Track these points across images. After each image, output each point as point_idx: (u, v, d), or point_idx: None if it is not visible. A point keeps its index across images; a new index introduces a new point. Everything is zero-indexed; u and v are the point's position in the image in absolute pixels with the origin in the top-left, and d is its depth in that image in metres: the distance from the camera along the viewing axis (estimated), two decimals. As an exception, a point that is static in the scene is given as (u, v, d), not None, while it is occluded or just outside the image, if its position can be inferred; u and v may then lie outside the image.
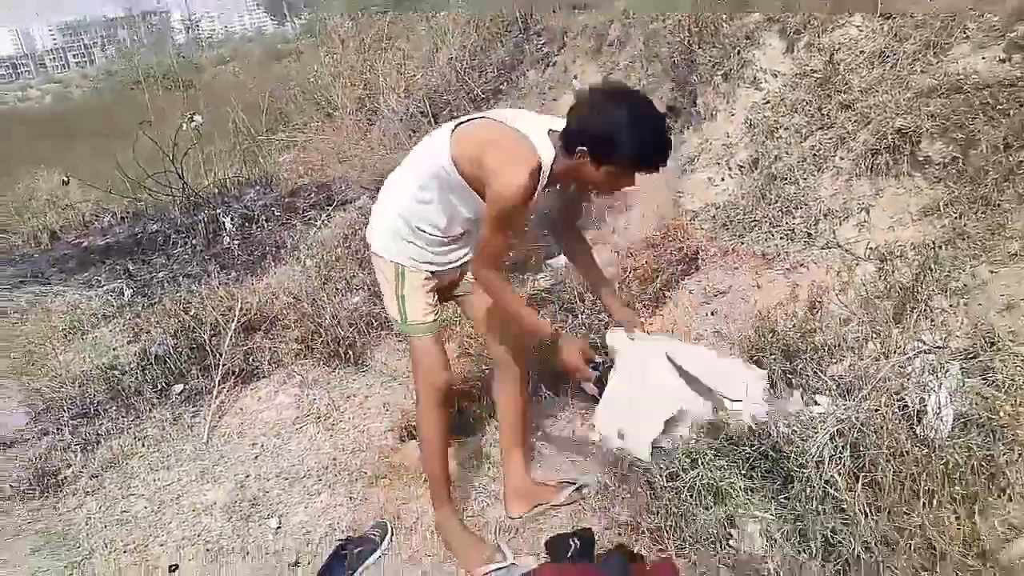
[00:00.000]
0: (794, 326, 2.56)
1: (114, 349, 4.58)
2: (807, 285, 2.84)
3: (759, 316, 2.81)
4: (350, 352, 3.78)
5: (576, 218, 2.58)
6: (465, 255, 2.41)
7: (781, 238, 3.23)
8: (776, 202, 3.36)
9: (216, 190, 7.61)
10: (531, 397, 2.87)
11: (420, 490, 2.74)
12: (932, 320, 2.35)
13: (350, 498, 2.82)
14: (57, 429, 3.73)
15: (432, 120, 7.57)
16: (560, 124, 2.10)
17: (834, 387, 2.22)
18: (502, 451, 2.68)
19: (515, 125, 2.12)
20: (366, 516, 2.71)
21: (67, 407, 3.91)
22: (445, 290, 2.51)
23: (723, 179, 3.90)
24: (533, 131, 2.10)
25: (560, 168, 2.09)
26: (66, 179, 6.82)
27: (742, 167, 3.79)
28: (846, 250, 2.94)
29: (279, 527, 2.74)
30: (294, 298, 4.20)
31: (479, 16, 9.49)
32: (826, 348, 2.44)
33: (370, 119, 8.46)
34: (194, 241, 6.41)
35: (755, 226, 3.38)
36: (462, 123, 2.25)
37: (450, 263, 2.41)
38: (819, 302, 2.66)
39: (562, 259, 4.39)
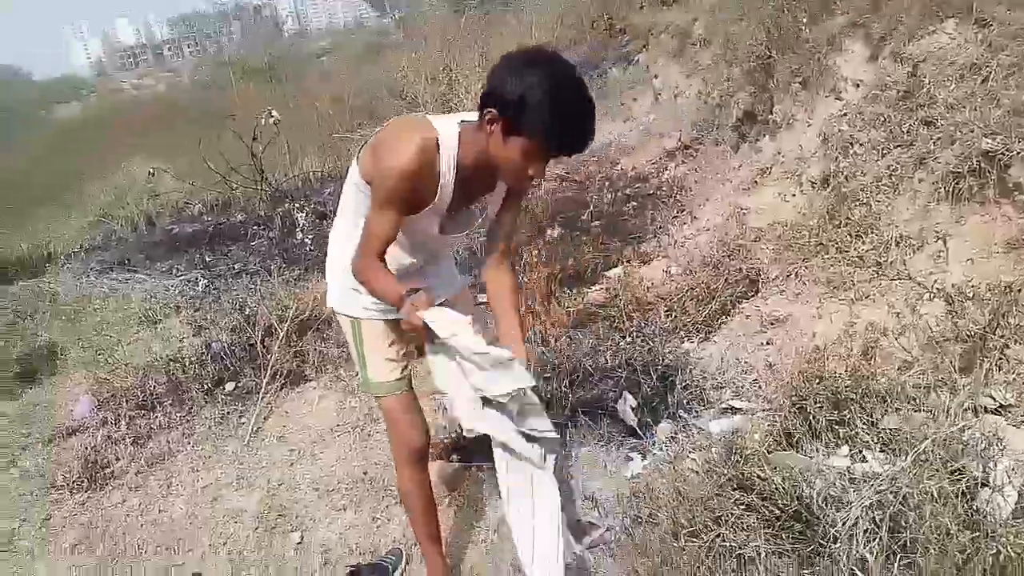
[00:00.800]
0: (847, 369, 2.33)
1: (180, 340, 4.69)
2: (868, 321, 2.60)
3: (815, 352, 2.59)
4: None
5: (507, 229, 2.10)
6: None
7: (848, 265, 2.98)
8: (846, 225, 3.11)
9: (298, 184, 7.80)
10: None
11: (445, 513, 2.66)
12: (1006, 373, 2.09)
13: (374, 518, 2.77)
14: (115, 420, 3.83)
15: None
16: (473, 116, 1.81)
17: (884, 443, 2.00)
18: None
19: (423, 114, 1.88)
20: (387, 538, 2.65)
21: (127, 398, 4.02)
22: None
23: (793, 195, 3.65)
24: (441, 118, 1.85)
25: (469, 152, 1.79)
26: (152, 171, 7.07)
27: (813, 183, 3.54)
28: (918, 282, 2.68)
29: (300, 542, 2.72)
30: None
31: (566, 13, 9.36)
32: (880, 396, 2.21)
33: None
34: (271, 234, 6.55)
35: (821, 249, 3.14)
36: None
37: None
38: (875, 343, 2.41)
39: (620, 270, 4.23)
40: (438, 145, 1.78)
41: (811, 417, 2.14)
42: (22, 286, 5.99)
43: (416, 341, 2.12)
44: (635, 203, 5.23)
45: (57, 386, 4.50)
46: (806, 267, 3.13)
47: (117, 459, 3.48)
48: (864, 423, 2.08)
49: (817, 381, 2.24)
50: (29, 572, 2.89)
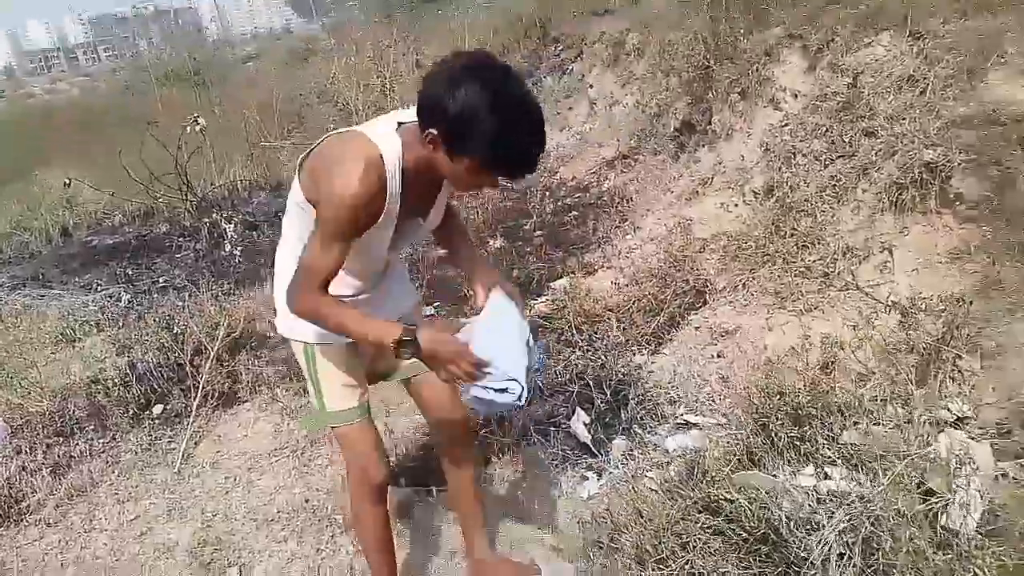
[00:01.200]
0: (805, 384, 2.32)
1: (101, 361, 4.42)
2: (821, 332, 2.60)
3: (768, 365, 2.57)
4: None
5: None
6: (384, 313, 1.93)
7: (795, 275, 2.99)
8: (791, 235, 3.12)
9: (225, 193, 7.52)
10: (481, 476, 2.54)
11: (398, 541, 2.53)
12: (960, 385, 2.10)
13: (318, 549, 2.62)
14: (31, 448, 3.56)
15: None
16: (410, 115, 1.68)
17: (845, 458, 1.98)
18: (464, 534, 2.37)
19: (359, 128, 1.75)
20: (333, 571, 2.50)
21: (44, 424, 3.75)
22: (376, 368, 2.13)
23: (736, 205, 3.66)
24: (377, 125, 1.73)
25: (412, 157, 1.68)
26: (68, 180, 6.70)
27: (756, 194, 3.55)
28: (866, 292, 2.69)
29: (240, 578, 2.55)
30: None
31: (498, 21, 9.32)
32: (839, 410, 2.19)
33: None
34: (198, 246, 6.29)
35: (768, 260, 3.15)
36: (310, 152, 1.81)
37: None
38: (834, 356, 2.40)
39: (566, 281, 4.18)
40: (383, 160, 1.65)
41: (772, 434, 2.10)
42: (-76, 303, 5.57)
43: (383, 363, 2.09)
44: (576, 213, 5.20)
45: (-36, 413, 4.18)
46: (753, 278, 3.13)
47: (33, 491, 3.23)
48: (825, 438, 2.06)
49: (777, 396, 2.22)
50: (-68, 621, 2.64)
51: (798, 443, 2.10)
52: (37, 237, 7.54)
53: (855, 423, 2.15)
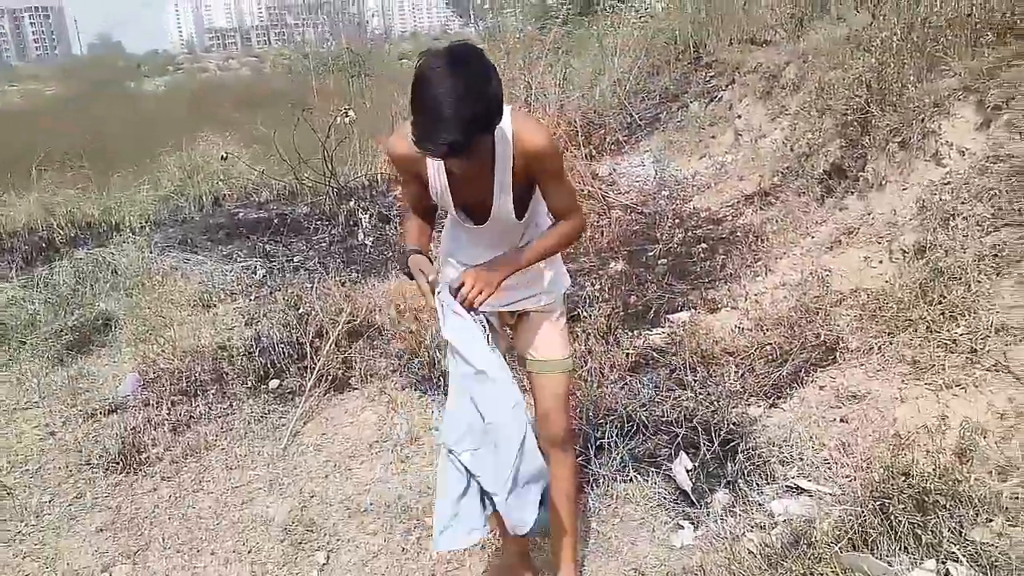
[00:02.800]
0: (936, 468, 2.13)
1: (230, 329, 4.67)
2: (961, 414, 2.39)
3: (896, 440, 2.38)
4: (443, 380, 3.63)
5: (555, 205, 2.05)
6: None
7: (938, 347, 2.76)
8: (939, 303, 2.88)
9: (364, 184, 7.80)
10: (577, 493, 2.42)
11: (474, 557, 2.53)
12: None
13: (403, 548, 2.65)
14: (157, 402, 3.81)
15: (584, 141, 7.35)
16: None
17: (971, 557, 1.80)
18: (554, 563, 2.34)
19: None
20: (414, 574, 2.52)
21: (172, 381, 4.00)
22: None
23: (881, 262, 3.44)
24: None
25: None
26: (225, 154, 7.15)
27: (905, 252, 3.32)
28: (1017, 377, 2.45)
29: (325, 563, 2.62)
30: (398, 311, 4.12)
31: (651, 40, 9.21)
32: (972, 503, 2.00)
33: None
34: (333, 232, 6.55)
35: (909, 326, 2.92)
36: None
37: None
38: (973, 443, 2.20)
39: (685, 315, 4.06)
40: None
41: (892, 517, 1.94)
42: (87, 253, 6.07)
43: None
44: (706, 245, 5.04)
45: (107, 359, 4.52)
46: (891, 342, 2.92)
47: (154, 445, 3.45)
48: (952, 532, 1.88)
49: (903, 476, 2.05)
50: (53, 549, 2.85)
51: (920, 532, 1.93)
52: (191, 204, 8.07)
53: (988, 520, 1.96)
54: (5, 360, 4.49)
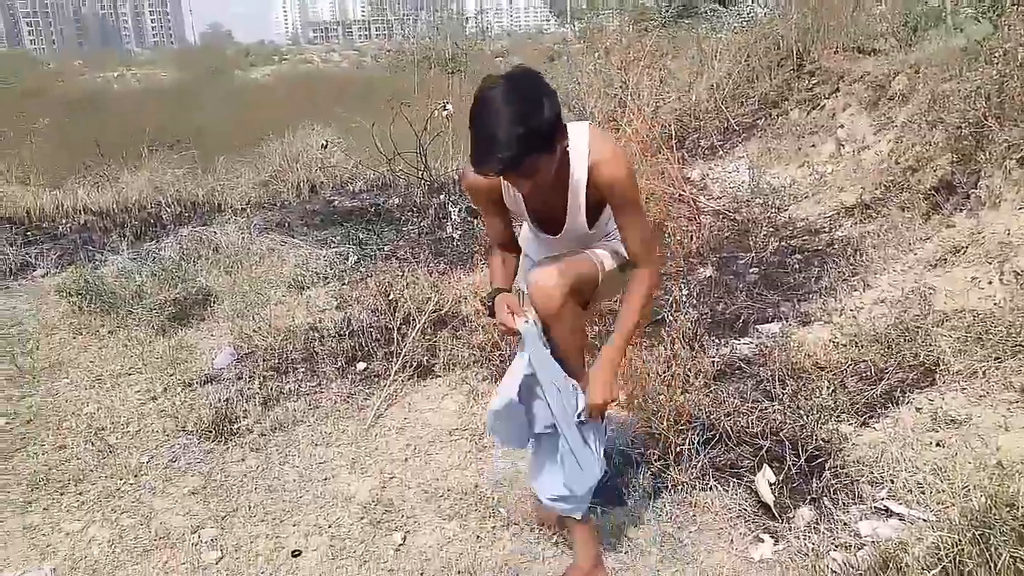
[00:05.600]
0: (1042, 501, 2.01)
1: (322, 311, 4.83)
2: (1073, 448, 2.25)
3: (999, 469, 2.27)
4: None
5: (627, 235, 2.10)
6: None
7: (1051, 376, 2.61)
8: (1054, 330, 2.72)
9: (456, 179, 7.92)
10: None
11: (548, 551, 2.53)
12: None
13: (477, 536, 2.67)
14: (250, 377, 3.97)
15: (677, 145, 7.24)
16: (577, 128, 2.01)
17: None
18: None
19: None
20: (487, 562, 2.55)
21: (265, 357, 4.17)
22: None
23: (990, 283, 3.27)
24: None
25: None
26: (325, 143, 7.38)
27: (1018, 275, 3.15)
28: None
29: (402, 543, 2.67)
30: (482, 303, 4.16)
31: (752, 46, 8.99)
32: (1080, 541, 1.88)
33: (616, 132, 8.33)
34: (423, 223, 6.67)
35: (1019, 352, 2.78)
36: None
37: None
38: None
39: (776, 327, 3.96)
40: None
41: (992, 549, 1.85)
42: (191, 230, 6.36)
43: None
44: (800, 257, 4.90)
45: (205, 332, 4.74)
46: (996, 368, 2.77)
47: (245, 416, 3.59)
48: (1056, 570, 1.78)
49: (1007, 508, 1.94)
50: (148, 508, 3.00)
51: (1021, 566, 1.83)
52: (289, 189, 8.36)
53: (1099, 562, 1.84)
54: (113, 327, 4.75)
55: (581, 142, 1.95)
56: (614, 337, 2.14)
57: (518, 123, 1.70)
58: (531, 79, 1.81)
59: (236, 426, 3.52)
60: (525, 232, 2.40)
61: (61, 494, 3.09)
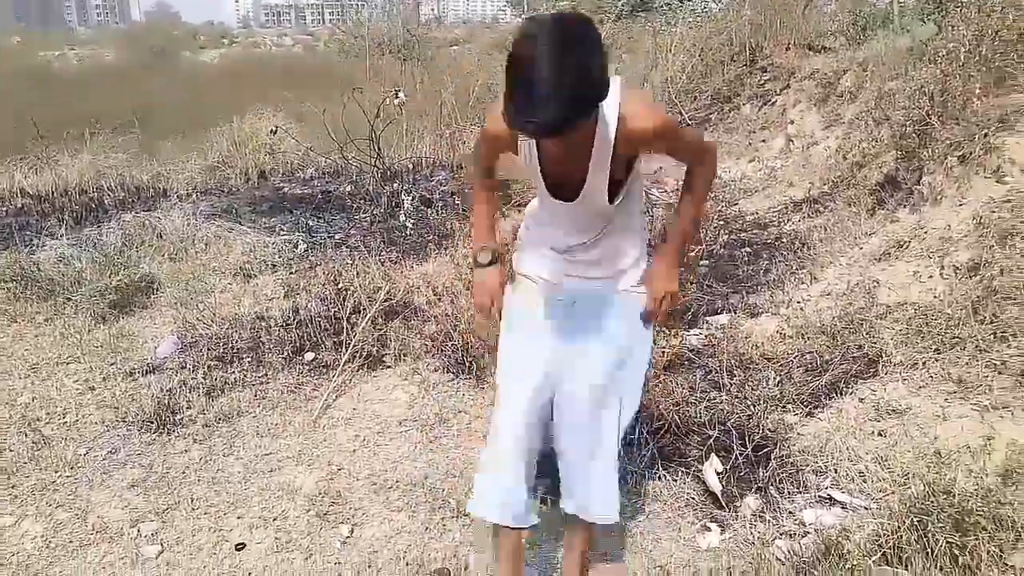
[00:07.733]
0: (978, 490, 2.07)
1: (269, 300, 4.72)
2: (1007, 436, 2.32)
3: (936, 458, 2.33)
4: (474, 364, 3.63)
5: (684, 157, 2.03)
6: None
7: (986, 367, 2.69)
8: (991, 322, 2.81)
9: (408, 167, 7.83)
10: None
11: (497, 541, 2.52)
12: None
13: (426, 527, 2.65)
14: (194, 367, 3.86)
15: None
16: None
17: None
18: None
19: None
20: (437, 553, 2.53)
21: (210, 347, 4.06)
22: None
23: (931, 277, 3.35)
24: None
25: None
26: (274, 129, 7.22)
27: (958, 269, 3.23)
28: (1070, 405, 2.38)
29: (349, 536, 2.63)
30: (435, 294, 4.12)
31: (707, 41, 9.09)
32: (1015, 528, 1.94)
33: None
34: (375, 212, 6.57)
35: (957, 344, 2.85)
36: None
37: None
38: (1019, 466, 2.14)
39: (725, 318, 4.01)
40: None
41: (930, 535, 1.89)
42: (135, 216, 6.17)
43: None
44: (750, 250, 4.97)
45: (147, 320, 4.60)
46: (936, 359, 2.85)
47: (188, 407, 3.50)
48: (991, 555, 1.83)
49: (944, 495, 2.00)
50: (84, 501, 2.90)
51: (957, 552, 1.88)
52: (238, 175, 8.17)
53: (1031, 548, 1.90)
54: (51, 314, 4.58)
55: (612, 99, 1.70)
56: (672, 233, 2.03)
57: (572, 83, 1.46)
58: (584, 26, 1.53)
59: (179, 417, 3.42)
60: (532, 206, 2.18)
61: (-8, 488, 2.98)
